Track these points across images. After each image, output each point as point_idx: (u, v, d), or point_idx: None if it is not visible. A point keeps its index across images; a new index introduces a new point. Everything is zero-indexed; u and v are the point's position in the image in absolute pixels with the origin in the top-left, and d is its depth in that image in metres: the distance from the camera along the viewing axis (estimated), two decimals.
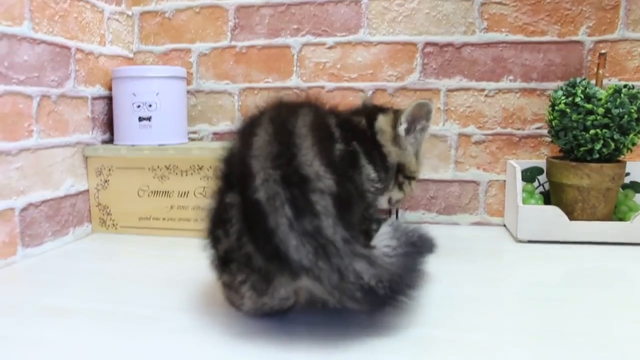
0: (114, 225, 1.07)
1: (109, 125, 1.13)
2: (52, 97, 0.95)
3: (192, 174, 1.03)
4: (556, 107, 0.96)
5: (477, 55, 1.10)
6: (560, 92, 0.97)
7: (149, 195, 1.05)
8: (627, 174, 1.03)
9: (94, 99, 1.08)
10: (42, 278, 0.80)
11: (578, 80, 0.97)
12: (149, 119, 1.07)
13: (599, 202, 0.97)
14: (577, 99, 0.93)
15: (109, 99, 1.12)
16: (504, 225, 1.12)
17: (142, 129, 1.08)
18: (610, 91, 0.93)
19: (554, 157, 1.03)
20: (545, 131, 1.09)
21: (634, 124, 0.92)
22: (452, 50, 1.11)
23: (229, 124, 1.21)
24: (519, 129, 1.11)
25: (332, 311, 0.57)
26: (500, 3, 1.09)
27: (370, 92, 1.14)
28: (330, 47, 1.15)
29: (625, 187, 1.04)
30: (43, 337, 0.59)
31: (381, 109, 0.78)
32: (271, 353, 0.54)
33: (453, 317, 0.63)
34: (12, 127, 0.86)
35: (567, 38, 1.07)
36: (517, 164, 1.03)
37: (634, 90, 0.93)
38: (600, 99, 0.93)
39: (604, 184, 0.95)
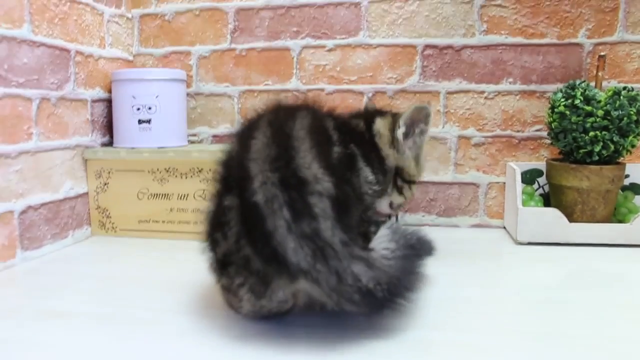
0: (113, 228, 1.07)
1: (108, 127, 1.13)
2: (51, 100, 0.95)
3: (191, 176, 1.03)
4: (556, 109, 0.96)
5: (476, 57, 1.10)
6: (559, 94, 0.97)
7: (148, 198, 1.05)
8: (627, 176, 1.03)
9: (94, 101, 1.08)
10: (42, 281, 0.80)
11: (577, 82, 0.97)
12: (148, 121, 1.07)
13: (599, 204, 0.97)
14: (577, 101, 0.94)
15: (109, 102, 1.13)
16: (504, 228, 1.11)
17: (141, 131, 1.08)
18: (610, 93, 0.93)
19: (553, 159, 1.03)
20: (544, 133, 1.09)
21: (633, 126, 0.92)
22: (452, 52, 1.11)
23: (228, 126, 1.21)
24: (518, 131, 1.11)
25: (330, 314, 0.57)
26: (499, 5, 1.09)
27: (370, 95, 1.14)
28: (330, 50, 1.15)
29: (624, 189, 1.04)
30: (42, 340, 0.59)
31: (380, 112, 0.78)
32: (270, 355, 0.54)
33: (452, 320, 0.63)
34: (12, 129, 0.86)
35: (567, 40, 1.08)
36: (517, 166, 1.03)
37: (634, 93, 0.93)
38: (599, 101, 0.93)
39: (604, 185, 0.95)
